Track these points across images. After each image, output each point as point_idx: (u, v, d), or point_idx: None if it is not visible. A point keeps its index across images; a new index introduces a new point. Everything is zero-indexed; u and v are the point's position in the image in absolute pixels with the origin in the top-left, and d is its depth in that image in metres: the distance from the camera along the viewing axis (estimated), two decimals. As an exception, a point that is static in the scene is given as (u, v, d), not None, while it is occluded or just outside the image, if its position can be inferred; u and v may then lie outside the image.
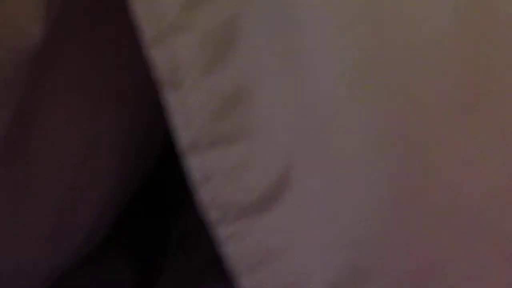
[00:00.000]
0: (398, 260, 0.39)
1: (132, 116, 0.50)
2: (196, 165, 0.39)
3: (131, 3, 0.38)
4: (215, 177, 0.39)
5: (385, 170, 0.37)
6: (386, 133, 0.37)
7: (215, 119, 0.38)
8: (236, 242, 0.40)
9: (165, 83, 0.38)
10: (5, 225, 0.45)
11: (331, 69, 0.36)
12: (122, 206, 0.55)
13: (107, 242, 0.55)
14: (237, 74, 0.38)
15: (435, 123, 0.37)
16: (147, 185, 0.57)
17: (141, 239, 0.60)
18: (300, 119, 0.37)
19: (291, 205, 0.39)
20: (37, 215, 0.47)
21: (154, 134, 0.54)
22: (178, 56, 0.38)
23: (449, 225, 0.38)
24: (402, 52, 0.36)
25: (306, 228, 0.39)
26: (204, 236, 0.42)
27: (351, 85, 0.36)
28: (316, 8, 0.36)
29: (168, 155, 0.50)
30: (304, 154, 0.38)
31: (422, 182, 0.37)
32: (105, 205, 0.52)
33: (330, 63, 0.36)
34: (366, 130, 0.36)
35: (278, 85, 0.38)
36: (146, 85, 0.41)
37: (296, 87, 0.37)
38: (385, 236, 0.38)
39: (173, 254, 0.59)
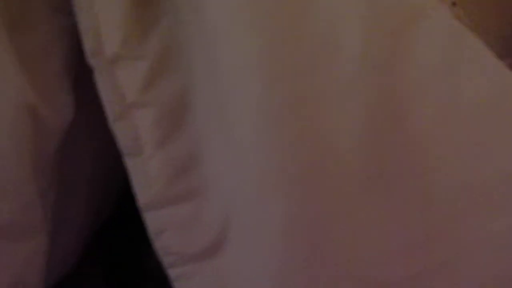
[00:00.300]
0: None
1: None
2: (152, 221, 0.45)
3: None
4: (167, 231, 0.45)
5: (292, 242, 0.43)
6: (295, 212, 0.43)
7: (169, 183, 0.44)
8: (184, 282, 0.47)
9: (126, 152, 0.44)
10: None
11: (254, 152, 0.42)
12: (95, 228, 0.59)
13: (87, 261, 0.59)
14: (189, 143, 0.44)
15: (345, 198, 0.43)
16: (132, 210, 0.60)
17: (120, 259, 0.62)
18: (234, 184, 0.43)
19: (229, 255, 0.45)
20: None
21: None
22: (137, 129, 0.44)
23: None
24: (321, 155, 0.42)
25: (241, 273, 0.45)
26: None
27: (267, 170, 0.42)
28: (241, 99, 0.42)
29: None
30: (238, 213, 0.44)
31: (324, 253, 0.44)
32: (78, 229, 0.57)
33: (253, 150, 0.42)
34: (280, 205, 0.42)
35: (219, 152, 0.44)
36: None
37: (230, 155, 0.43)
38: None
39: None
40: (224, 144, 0.43)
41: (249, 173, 0.42)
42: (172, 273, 0.46)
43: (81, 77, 0.47)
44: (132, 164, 0.45)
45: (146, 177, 0.44)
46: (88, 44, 0.43)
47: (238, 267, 0.45)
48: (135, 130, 0.44)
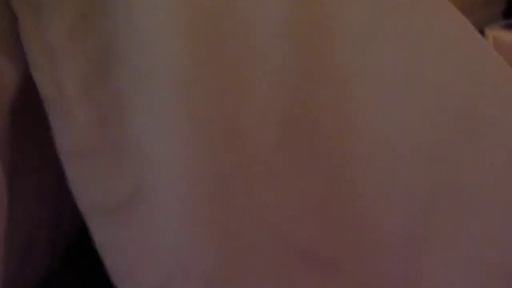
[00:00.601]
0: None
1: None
2: (71, 169, 0.45)
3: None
4: (85, 180, 0.45)
5: (201, 193, 0.44)
6: (205, 165, 0.44)
7: (91, 132, 0.44)
8: (102, 233, 0.46)
9: (48, 99, 0.44)
10: None
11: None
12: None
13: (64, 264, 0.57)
14: (113, 97, 0.44)
15: (256, 152, 0.44)
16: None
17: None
18: (151, 140, 0.44)
19: (145, 208, 0.45)
20: None
21: None
22: (61, 78, 0.44)
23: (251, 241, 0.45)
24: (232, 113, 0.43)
25: (156, 226, 0.45)
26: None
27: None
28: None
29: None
30: (154, 169, 0.44)
31: (232, 206, 0.44)
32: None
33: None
34: (189, 159, 0.43)
35: (141, 109, 0.44)
36: None
37: (149, 113, 0.43)
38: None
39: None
40: (145, 103, 0.43)
41: (163, 128, 0.43)
42: (91, 224, 0.46)
43: None
44: (54, 111, 0.44)
45: (68, 125, 0.44)
46: None
47: (153, 220, 0.45)
48: (59, 79, 0.44)
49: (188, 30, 0.42)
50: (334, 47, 0.44)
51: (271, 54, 0.43)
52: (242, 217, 0.44)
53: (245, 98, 0.43)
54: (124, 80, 0.44)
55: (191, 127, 0.42)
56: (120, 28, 0.43)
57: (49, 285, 0.55)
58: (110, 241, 0.47)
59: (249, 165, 0.44)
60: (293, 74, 0.43)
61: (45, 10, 0.42)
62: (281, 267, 0.45)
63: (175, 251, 0.44)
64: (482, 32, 0.67)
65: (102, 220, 0.46)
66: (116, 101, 0.44)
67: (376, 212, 0.45)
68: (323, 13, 0.43)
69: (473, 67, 0.46)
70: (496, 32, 0.67)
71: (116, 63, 0.44)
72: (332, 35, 0.44)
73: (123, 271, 0.47)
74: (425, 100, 0.45)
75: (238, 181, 0.44)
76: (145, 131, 0.44)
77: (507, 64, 0.47)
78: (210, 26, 0.42)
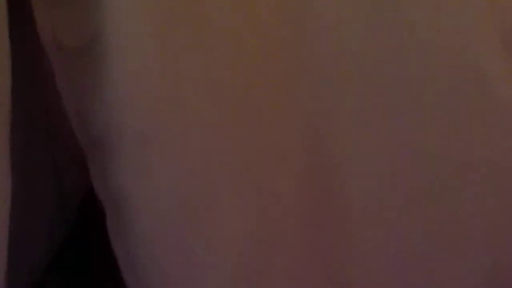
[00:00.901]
0: None
1: None
2: (38, 13, 0.46)
3: None
4: (51, 23, 0.46)
5: None
6: None
7: None
8: (59, 77, 0.47)
9: None
10: None
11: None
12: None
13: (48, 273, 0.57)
14: None
15: None
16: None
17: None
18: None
19: (99, 57, 0.46)
20: None
21: None
22: None
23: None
24: None
25: (102, 77, 0.46)
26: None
27: None
28: None
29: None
30: (116, 17, 0.45)
31: None
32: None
33: None
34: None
35: None
36: None
37: None
38: None
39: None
40: None
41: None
42: (55, 67, 0.48)
43: None
44: None
45: None
46: None
47: (108, 62, 0.46)
48: None
49: None
50: None
51: None
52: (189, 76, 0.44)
53: None
54: None
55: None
56: None
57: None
58: (70, 82, 0.48)
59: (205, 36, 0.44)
60: None
61: None
62: (215, 124, 0.45)
63: (121, 84, 0.45)
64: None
65: (65, 63, 0.47)
66: None
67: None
68: None
69: None
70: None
71: None
72: None
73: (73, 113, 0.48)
74: None
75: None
76: None
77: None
78: None
